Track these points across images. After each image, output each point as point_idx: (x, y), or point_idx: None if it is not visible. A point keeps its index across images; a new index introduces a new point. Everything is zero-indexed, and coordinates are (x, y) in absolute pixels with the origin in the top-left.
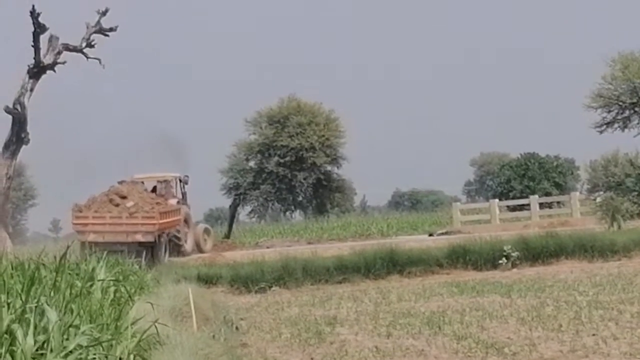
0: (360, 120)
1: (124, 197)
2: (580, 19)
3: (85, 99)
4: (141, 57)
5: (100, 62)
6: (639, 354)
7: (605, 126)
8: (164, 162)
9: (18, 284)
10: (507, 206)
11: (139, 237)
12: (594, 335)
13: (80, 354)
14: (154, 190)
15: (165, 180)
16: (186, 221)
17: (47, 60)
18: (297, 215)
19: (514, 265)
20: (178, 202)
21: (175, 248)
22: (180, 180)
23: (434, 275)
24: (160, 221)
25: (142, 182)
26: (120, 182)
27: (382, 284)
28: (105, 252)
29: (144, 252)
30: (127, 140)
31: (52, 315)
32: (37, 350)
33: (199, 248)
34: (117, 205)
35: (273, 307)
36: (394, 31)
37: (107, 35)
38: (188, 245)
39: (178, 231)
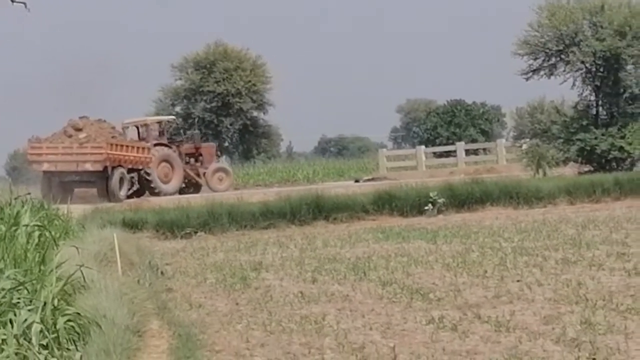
0: (287, 66)
1: (78, 130)
2: None
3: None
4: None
5: (25, 6)
6: (563, 300)
7: (531, 73)
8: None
9: None
10: (434, 153)
11: (88, 167)
12: (518, 281)
13: (4, 297)
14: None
15: (145, 125)
16: (168, 161)
17: None
18: (223, 160)
19: (439, 212)
20: (157, 145)
21: (149, 188)
22: (169, 122)
23: (360, 222)
24: (109, 152)
25: (134, 126)
26: (82, 117)
27: (308, 230)
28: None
29: (99, 183)
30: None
31: None
32: None
33: (210, 187)
34: (70, 136)
35: (198, 252)
36: None
37: None
38: (170, 186)
39: (147, 173)
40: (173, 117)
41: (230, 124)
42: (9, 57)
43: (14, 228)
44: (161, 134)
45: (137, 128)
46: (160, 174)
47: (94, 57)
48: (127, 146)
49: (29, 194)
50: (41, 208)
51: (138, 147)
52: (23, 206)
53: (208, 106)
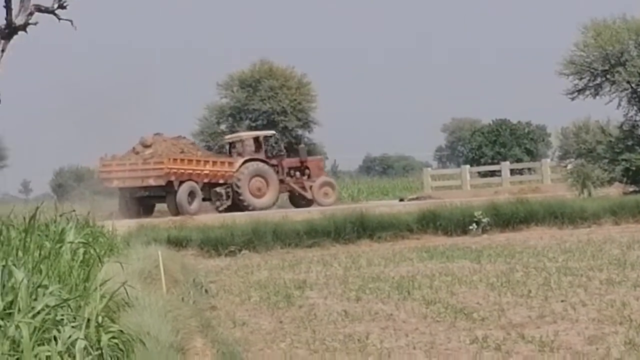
0: (332, 84)
1: (147, 146)
2: None
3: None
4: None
5: (72, 24)
6: (607, 320)
7: (576, 93)
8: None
9: None
10: (478, 172)
11: (152, 182)
12: (562, 301)
13: (48, 314)
14: (231, 149)
15: (240, 140)
16: (261, 176)
17: (18, 21)
18: None
19: (484, 231)
20: (250, 160)
21: (239, 202)
22: (268, 137)
23: (404, 240)
24: (171, 166)
25: (231, 143)
26: (155, 134)
27: (352, 249)
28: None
29: (168, 197)
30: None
31: (19, 275)
32: (4, 310)
33: (317, 202)
34: (137, 153)
35: (242, 270)
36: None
37: None
38: (263, 201)
39: (238, 187)
40: (273, 132)
41: (275, 142)
42: (53, 74)
43: (58, 245)
44: (258, 149)
45: (234, 144)
46: (253, 188)
47: (139, 76)
48: (198, 161)
49: (74, 210)
50: (86, 225)
51: (215, 162)
52: (68, 223)
53: (253, 124)
